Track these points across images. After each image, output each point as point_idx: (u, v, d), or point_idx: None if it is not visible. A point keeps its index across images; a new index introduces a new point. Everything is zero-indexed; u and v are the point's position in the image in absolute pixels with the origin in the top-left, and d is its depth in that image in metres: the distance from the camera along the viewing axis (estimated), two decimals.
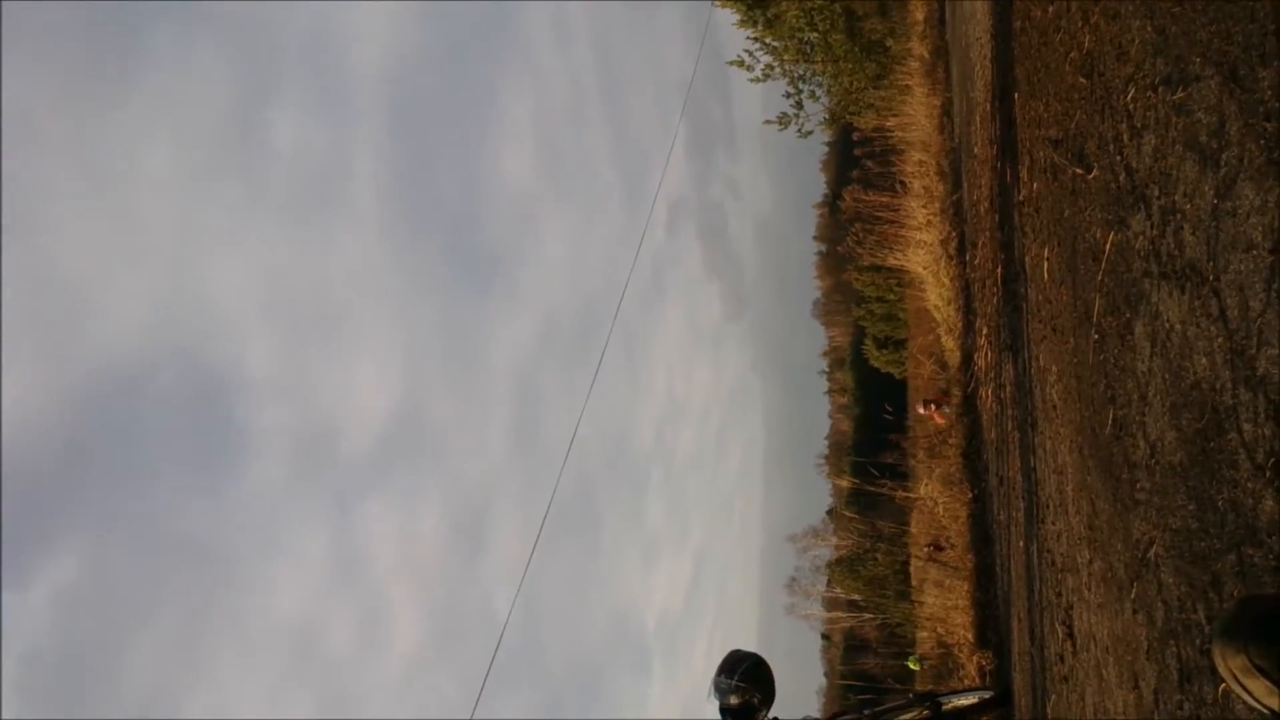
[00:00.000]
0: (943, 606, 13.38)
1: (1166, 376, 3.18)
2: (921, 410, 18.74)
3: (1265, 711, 1.29)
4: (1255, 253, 2.49)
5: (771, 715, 5.83)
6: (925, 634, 17.45)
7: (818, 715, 6.58)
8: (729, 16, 21.14)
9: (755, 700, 5.70)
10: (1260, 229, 2.47)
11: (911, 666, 17.92)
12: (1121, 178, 3.72)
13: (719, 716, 5.78)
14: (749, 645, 6.09)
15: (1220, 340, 2.73)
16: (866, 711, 6.83)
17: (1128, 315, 3.63)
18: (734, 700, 5.69)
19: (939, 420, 16.79)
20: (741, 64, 20.94)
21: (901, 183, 18.42)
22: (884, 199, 19.56)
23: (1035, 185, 5.74)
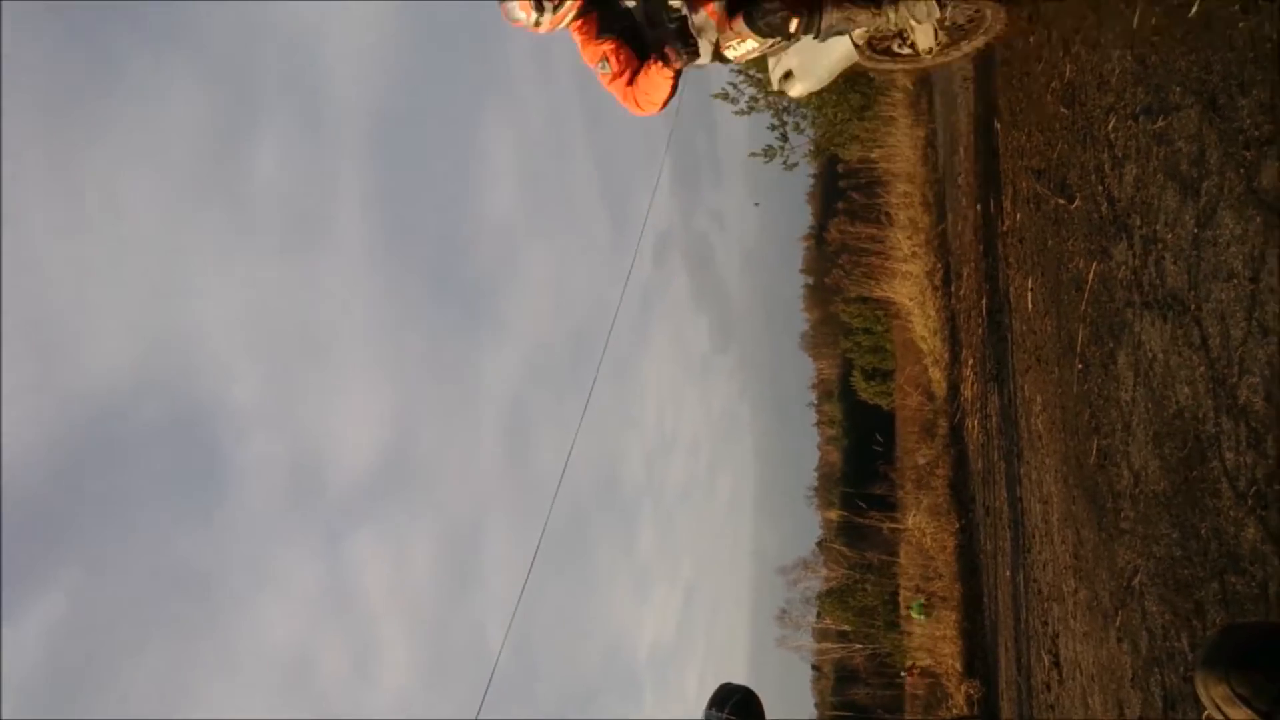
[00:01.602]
0: (931, 636, 13.34)
1: (1149, 406, 3.19)
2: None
3: None
4: (1236, 281, 2.51)
5: None
6: (914, 663, 17.35)
7: None
8: None
9: None
10: (1241, 258, 2.48)
11: (915, 615, 17.29)
12: (1104, 208, 3.75)
13: None
14: (740, 677, 6.08)
15: (1202, 369, 2.74)
16: None
17: (1111, 345, 3.65)
18: None
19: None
20: (726, 96, 21.10)
21: (886, 214, 18.54)
22: (869, 230, 19.68)
23: (1018, 216, 5.78)
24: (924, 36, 5.04)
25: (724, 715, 5.75)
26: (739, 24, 4.86)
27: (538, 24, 5.09)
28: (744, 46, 4.94)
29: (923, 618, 15.32)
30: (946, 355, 12.97)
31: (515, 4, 5.09)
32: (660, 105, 5.41)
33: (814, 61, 5.48)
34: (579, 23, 5.17)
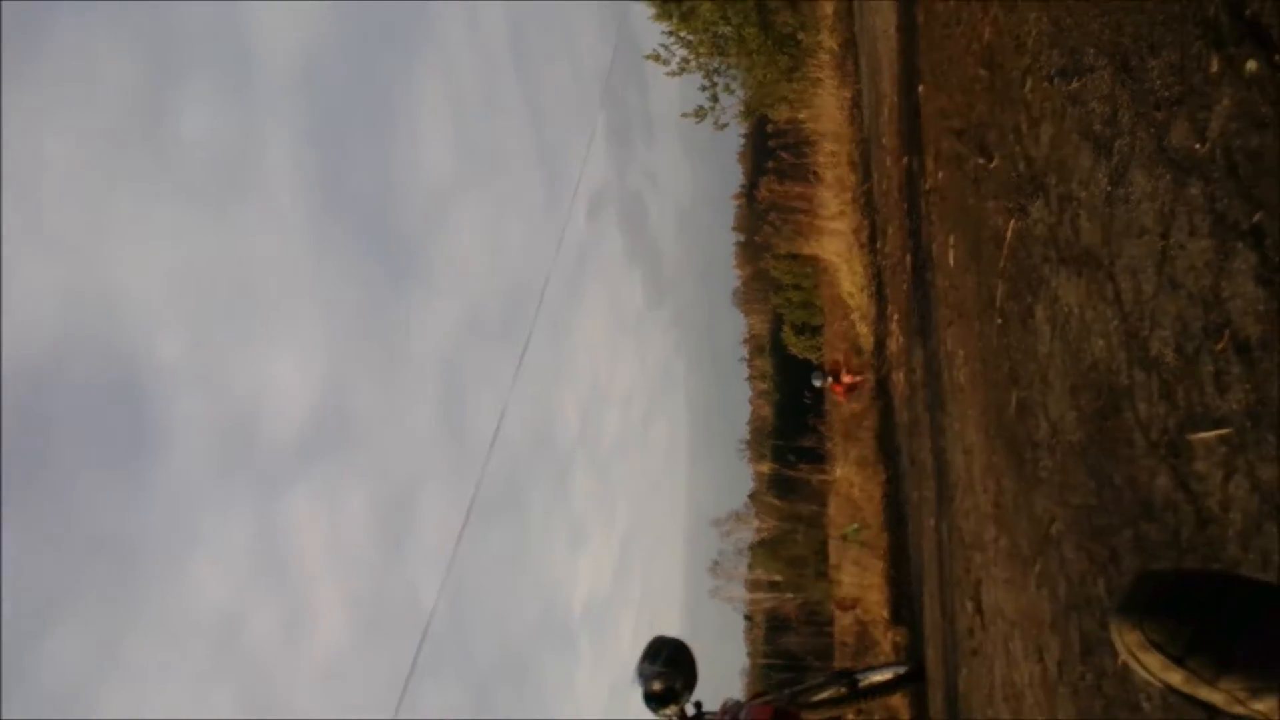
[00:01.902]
0: (859, 585, 13.66)
1: (1066, 359, 3.29)
2: (818, 384, 18.49)
3: (1159, 684, 1.32)
4: (1147, 238, 2.58)
5: (694, 699, 5.91)
6: (842, 611, 17.74)
7: (740, 697, 6.67)
8: (644, 9, 21.20)
9: (678, 685, 5.79)
10: (1151, 215, 2.56)
11: (850, 539, 17.45)
12: (1021, 166, 3.83)
13: (644, 702, 5.84)
14: (674, 628, 6.24)
15: (1116, 323, 2.83)
16: (786, 691, 6.95)
17: (1029, 300, 3.74)
18: (657, 686, 5.78)
19: (841, 394, 16.60)
20: (657, 58, 21.00)
21: (814, 173, 18.67)
22: (798, 189, 19.80)
23: (941, 175, 5.87)
24: None
25: (656, 668, 5.85)
26: None
27: None
28: None
29: (858, 542, 15.52)
30: (873, 310, 13.17)
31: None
32: None
33: None
34: None
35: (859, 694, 7.00)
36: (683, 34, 20.90)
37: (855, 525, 16.18)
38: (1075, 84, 3.16)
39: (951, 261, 5.54)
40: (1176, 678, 1.27)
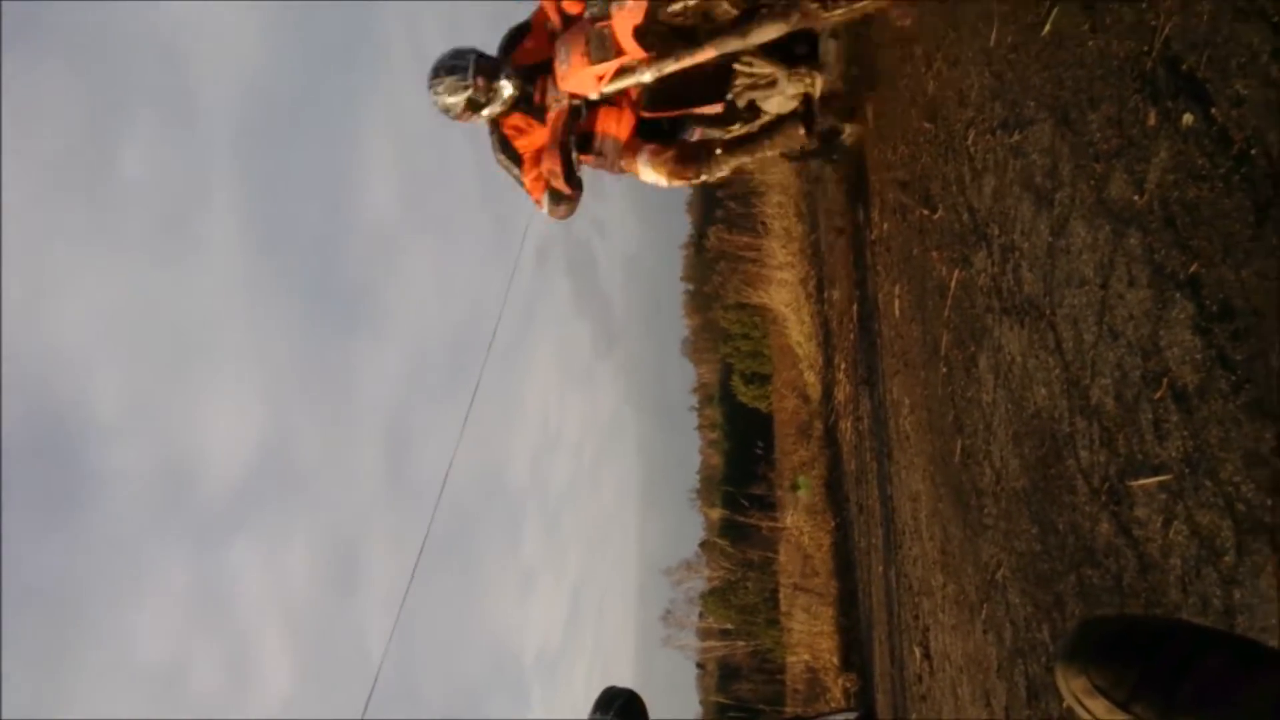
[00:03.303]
0: (809, 632, 13.62)
1: (1009, 407, 3.33)
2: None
3: None
4: (1087, 288, 2.63)
5: None
6: (794, 658, 17.66)
7: None
8: None
9: None
10: (1091, 265, 2.61)
11: (801, 491, 17.07)
12: (964, 217, 3.89)
13: None
14: (626, 676, 6.14)
15: (1057, 372, 2.87)
16: None
17: (972, 349, 3.79)
18: None
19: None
20: None
21: (762, 224, 18.87)
22: (746, 239, 20.01)
23: (886, 225, 5.96)
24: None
25: (608, 718, 5.75)
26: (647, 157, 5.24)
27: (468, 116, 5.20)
28: (650, 177, 5.25)
29: (806, 493, 15.29)
30: (820, 360, 13.27)
31: (446, 96, 5.13)
32: (540, 204, 5.51)
33: None
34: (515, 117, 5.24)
35: None
36: None
37: (803, 476, 15.99)
38: (1017, 136, 3.23)
39: (897, 311, 5.60)
40: None
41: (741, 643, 34.50)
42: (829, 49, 5.64)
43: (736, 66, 5.36)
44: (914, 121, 4.80)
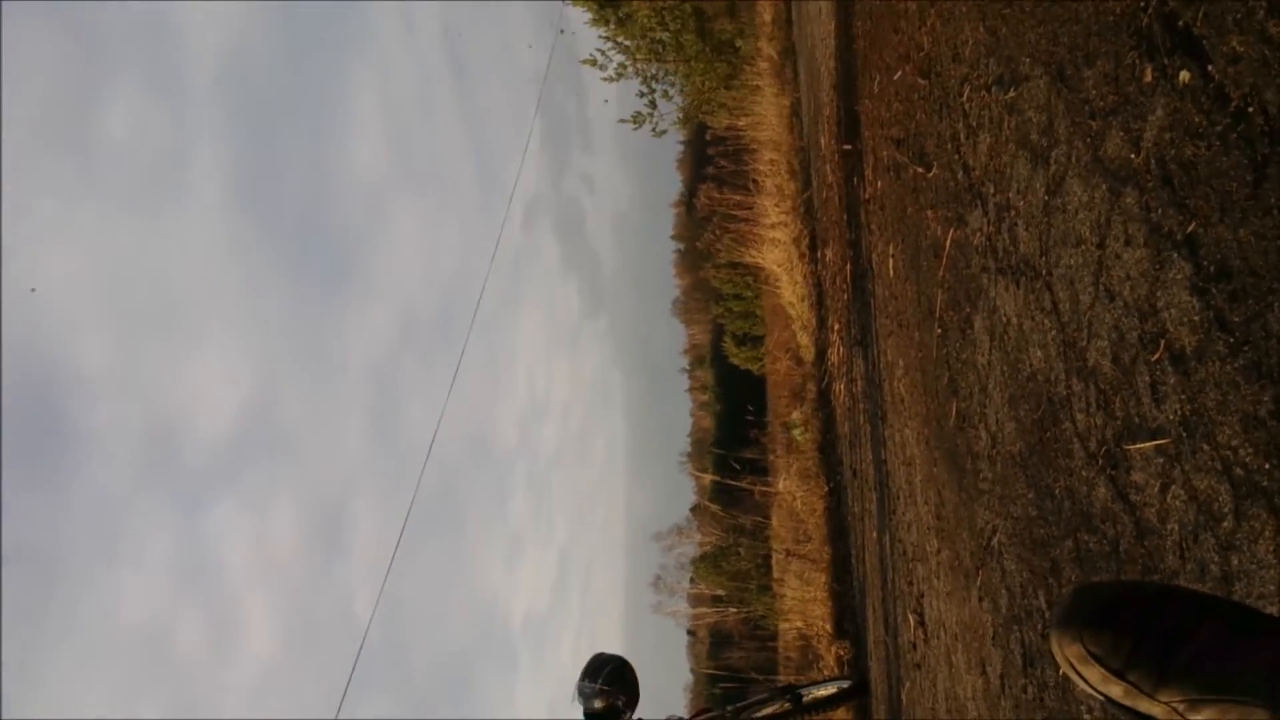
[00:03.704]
0: (802, 599, 13.68)
1: (1005, 369, 3.28)
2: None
3: (1100, 697, 1.30)
4: (1084, 247, 2.58)
5: (636, 716, 5.84)
6: (786, 625, 17.79)
7: (683, 714, 6.60)
8: (581, 14, 21.19)
9: (620, 703, 5.72)
10: (1088, 224, 2.55)
11: (795, 434, 17.20)
12: (959, 176, 3.83)
13: None
14: (615, 643, 6.16)
15: (1053, 333, 2.82)
16: (729, 708, 6.90)
17: (967, 310, 3.73)
18: (598, 704, 5.70)
19: None
20: (594, 63, 20.98)
21: (755, 181, 18.74)
22: (738, 197, 19.87)
23: (879, 184, 5.88)
24: None
25: (597, 686, 5.77)
26: None
27: None
28: None
29: (800, 434, 15.37)
30: (814, 320, 13.23)
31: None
32: None
33: None
34: None
35: (803, 709, 6.98)
36: (620, 39, 20.93)
37: (796, 420, 16.05)
38: (1012, 93, 3.15)
39: (891, 271, 5.55)
40: (1117, 690, 1.25)
41: (733, 609, 34.74)
42: None
43: None
44: (908, 78, 4.72)
